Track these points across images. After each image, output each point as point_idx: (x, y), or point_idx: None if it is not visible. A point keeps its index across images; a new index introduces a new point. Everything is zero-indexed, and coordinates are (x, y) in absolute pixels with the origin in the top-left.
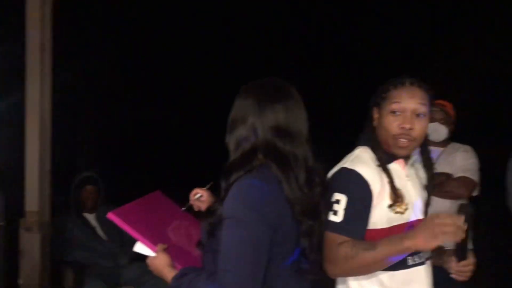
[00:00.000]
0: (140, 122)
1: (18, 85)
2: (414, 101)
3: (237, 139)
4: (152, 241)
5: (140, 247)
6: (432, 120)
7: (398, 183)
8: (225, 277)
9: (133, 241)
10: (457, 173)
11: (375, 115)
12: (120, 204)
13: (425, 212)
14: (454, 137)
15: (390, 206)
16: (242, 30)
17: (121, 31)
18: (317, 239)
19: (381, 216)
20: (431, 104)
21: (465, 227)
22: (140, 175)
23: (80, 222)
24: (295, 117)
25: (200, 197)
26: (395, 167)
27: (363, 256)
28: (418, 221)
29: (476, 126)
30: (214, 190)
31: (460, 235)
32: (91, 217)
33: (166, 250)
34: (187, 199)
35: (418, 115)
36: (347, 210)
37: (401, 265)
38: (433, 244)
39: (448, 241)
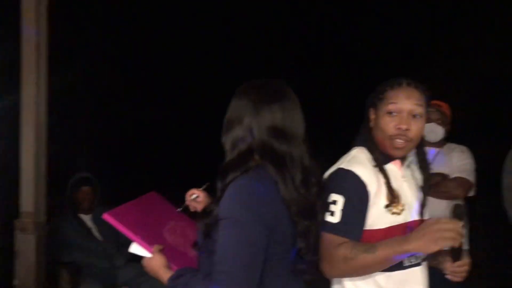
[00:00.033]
0: (136, 122)
1: (13, 85)
2: (410, 102)
3: (233, 139)
4: (147, 242)
5: (135, 248)
6: (428, 120)
7: (394, 184)
8: (221, 278)
9: (129, 242)
10: (453, 174)
11: (372, 115)
12: (117, 205)
13: (421, 213)
14: (453, 137)
15: (387, 206)
16: (242, 30)
17: (118, 31)
18: (313, 240)
19: (377, 217)
20: (428, 104)
21: (463, 230)
22: (136, 176)
23: (76, 223)
24: (292, 117)
25: (196, 197)
26: (392, 167)
27: (362, 258)
28: (415, 222)
29: (475, 126)
30: (211, 191)
31: (459, 240)
32: (87, 218)
33: (162, 251)
34: (183, 199)
35: (414, 116)
36: (344, 211)
37: (397, 266)
38: (433, 249)
39: (447, 246)
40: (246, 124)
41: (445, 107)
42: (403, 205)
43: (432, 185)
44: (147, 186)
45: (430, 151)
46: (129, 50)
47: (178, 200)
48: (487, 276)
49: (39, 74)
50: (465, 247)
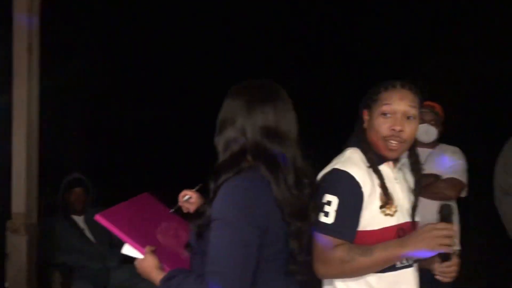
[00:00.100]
0: (129, 123)
1: (5, 86)
2: (404, 103)
3: (226, 140)
4: (140, 243)
5: (128, 249)
6: (422, 121)
7: (387, 185)
8: (213, 279)
9: (122, 243)
10: (446, 175)
11: (365, 117)
12: (109, 206)
13: (413, 215)
14: (449, 137)
15: (382, 207)
16: (240, 29)
17: (111, 31)
18: (306, 241)
19: (371, 218)
20: (421, 106)
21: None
22: (128, 177)
23: (68, 224)
24: (284, 118)
25: (189, 198)
26: (385, 169)
27: (359, 261)
28: (407, 224)
29: (467, 126)
30: (203, 192)
31: (455, 245)
32: (79, 219)
33: (154, 252)
34: (175, 200)
35: (408, 117)
36: (338, 211)
37: (389, 267)
38: (430, 254)
39: (444, 251)
40: (238, 125)
41: (438, 108)
42: (396, 207)
43: (424, 186)
44: (139, 187)
45: (423, 152)
46: (122, 50)
47: (171, 201)
48: (479, 277)
49: (31, 74)
50: (456, 247)
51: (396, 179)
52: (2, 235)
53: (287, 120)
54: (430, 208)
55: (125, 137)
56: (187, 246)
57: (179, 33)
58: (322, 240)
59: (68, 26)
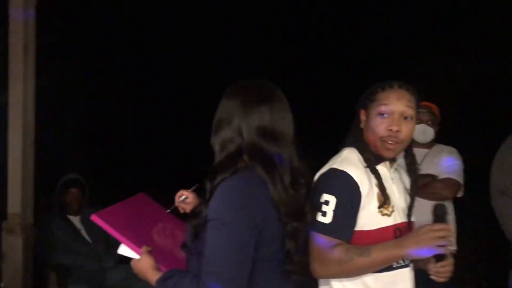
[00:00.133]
0: (125, 123)
1: (1, 86)
2: (402, 103)
3: (222, 140)
4: (136, 244)
5: (124, 250)
6: (419, 121)
7: (385, 185)
8: (209, 279)
9: (118, 244)
10: (442, 175)
11: (362, 117)
12: (105, 206)
13: (409, 216)
14: (445, 138)
15: (380, 207)
16: (237, 29)
17: (107, 31)
18: (302, 241)
19: (368, 218)
20: (418, 106)
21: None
22: (125, 177)
23: (64, 224)
24: (281, 118)
25: (185, 199)
26: (381, 169)
27: (358, 261)
28: (403, 224)
29: (467, 126)
30: (200, 192)
31: (451, 244)
32: (75, 220)
33: (150, 253)
34: (172, 201)
35: (405, 117)
36: (336, 211)
37: (386, 267)
38: (428, 254)
39: (442, 251)
40: (235, 125)
41: (435, 108)
42: (392, 207)
43: (421, 186)
44: (136, 187)
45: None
46: (119, 50)
47: (167, 201)
48: (475, 277)
49: (27, 74)
50: (453, 247)
51: (392, 179)
52: None
53: (283, 120)
54: (425, 208)
55: (121, 137)
56: (183, 246)
57: (177, 33)
58: (320, 240)
59: (65, 26)
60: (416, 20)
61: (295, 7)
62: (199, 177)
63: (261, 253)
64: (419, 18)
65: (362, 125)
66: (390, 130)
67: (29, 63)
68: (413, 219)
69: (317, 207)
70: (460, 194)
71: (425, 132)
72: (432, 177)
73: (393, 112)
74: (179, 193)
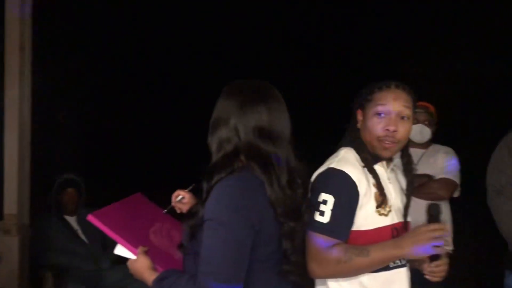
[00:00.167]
0: (122, 123)
1: None
2: (399, 103)
3: (219, 140)
4: (132, 244)
5: (120, 250)
6: (416, 122)
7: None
8: (206, 280)
9: (115, 244)
10: (438, 175)
11: (359, 117)
12: (102, 206)
13: (405, 216)
14: (443, 138)
15: (378, 207)
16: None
17: (104, 31)
18: (299, 241)
19: (366, 218)
20: (414, 106)
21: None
22: (121, 177)
23: (61, 225)
24: (278, 118)
25: (182, 199)
26: (378, 169)
27: (356, 261)
28: (399, 224)
29: (464, 126)
30: (197, 192)
31: (448, 244)
32: (72, 220)
33: (147, 253)
34: (169, 201)
35: (402, 117)
36: (334, 211)
37: (382, 267)
38: (425, 254)
39: (439, 251)
40: (232, 125)
41: (432, 108)
42: (390, 207)
43: (418, 186)
44: (132, 187)
45: (416, 152)
46: (115, 49)
47: (164, 201)
48: (471, 276)
49: (23, 74)
50: (449, 247)
51: (389, 179)
52: None
53: (280, 120)
54: (421, 208)
55: (118, 137)
56: (180, 246)
57: (174, 32)
58: (318, 239)
59: (61, 25)
60: (411, 20)
61: (292, 8)
62: (196, 177)
63: (258, 253)
64: (414, 18)
65: (359, 125)
66: (387, 130)
67: (25, 63)
68: (409, 219)
69: (315, 206)
70: (456, 194)
71: (422, 132)
72: (429, 177)
73: (390, 112)
74: (175, 193)
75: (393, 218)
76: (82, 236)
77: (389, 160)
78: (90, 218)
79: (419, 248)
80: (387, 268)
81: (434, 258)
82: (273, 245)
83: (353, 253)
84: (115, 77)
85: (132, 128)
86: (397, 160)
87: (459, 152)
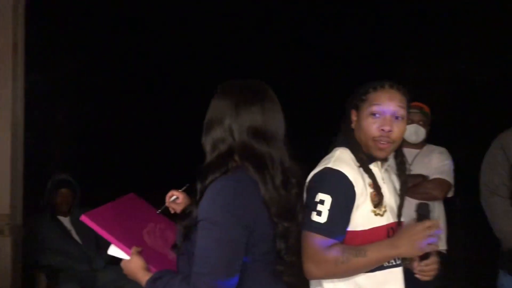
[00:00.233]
0: (116, 123)
1: None
2: (393, 103)
3: (214, 140)
4: (126, 244)
5: (114, 250)
6: (410, 122)
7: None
8: (199, 280)
9: (109, 244)
10: (433, 175)
11: (353, 117)
12: (96, 207)
13: (399, 216)
14: (437, 138)
15: (375, 207)
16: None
17: (97, 31)
18: (293, 241)
19: (362, 218)
20: (409, 106)
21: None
22: (115, 177)
23: (54, 225)
24: (272, 118)
25: (176, 199)
26: (373, 169)
27: (354, 262)
28: (393, 224)
29: (458, 126)
30: (191, 192)
31: (442, 244)
32: (65, 220)
33: (140, 253)
34: (162, 201)
35: (397, 117)
36: (331, 211)
37: (378, 266)
38: (420, 253)
39: (433, 249)
40: (226, 125)
41: (426, 108)
42: (385, 207)
43: (412, 186)
44: (126, 187)
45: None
46: (109, 50)
47: (158, 201)
48: (466, 276)
49: (16, 74)
50: (443, 247)
51: (383, 179)
52: None
53: (274, 121)
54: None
55: (112, 138)
56: (174, 247)
57: (167, 31)
58: (315, 240)
59: (55, 24)
60: (410, 20)
61: (291, 8)
62: (190, 177)
63: (252, 253)
64: (413, 18)
65: (353, 125)
66: (382, 130)
67: (18, 63)
68: (403, 219)
69: (312, 206)
70: (450, 194)
71: (417, 133)
72: (423, 177)
73: (385, 112)
74: (169, 193)
75: (388, 218)
76: (76, 237)
77: (383, 160)
78: (83, 218)
79: (415, 247)
80: (381, 267)
81: (424, 257)
82: (267, 245)
83: (351, 253)
84: (108, 77)
85: (126, 128)
86: (390, 161)
87: (452, 152)
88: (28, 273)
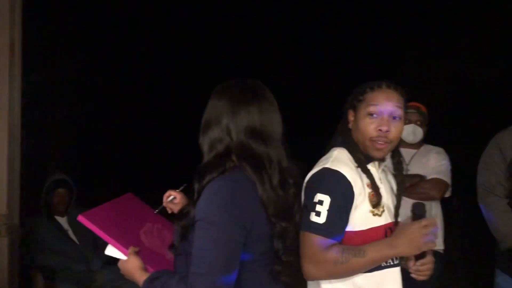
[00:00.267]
0: (114, 123)
1: None
2: (391, 104)
3: (211, 140)
4: (123, 244)
5: (111, 250)
6: (408, 122)
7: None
8: (196, 280)
9: (106, 244)
10: (430, 175)
11: (350, 117)
12: (93, 207)
13: (396, 216)
14: (434, 138)
15: (374, 207)
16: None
17: (94, 31)
18: (290, 241)
19: (360, 218)
20: (406, 106)
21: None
22: (112, 177)
23: (51, 225)
24: (269, 118)
25: (173, 199)
26: (371, 169)
27: (353, 262)
28: (392, 224)
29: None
30: (188, 192)
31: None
32: (63, 220)
33: (138, 253)
34: (160, 201)
35: (394, 117)
36: (330, 211)
37: (376, 266)
38: (418, 252)
39: (430, 248)
40: (223, 125)
41: (423, 108)
42: (383, 207)
43: (409, 186)
44: (124, 187)
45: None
46: (106, 49)
47: (155, 201)
48: (462, 275)
49: (13, 74)
50: (440, 247)
51: (380, 179)
52: None
53: (272, 121)
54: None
55: (109, 138)
56: (171, 247)
57: (163, 30)
58: (314, 240)
59: (52, 24)
60: (409, 20)
61: (289, 8)
62: (187, 177)
63: (250, 253)
64: (413, 18)
65: (350, 125)
66: (380, 130)
67: (16, 63)
68: (400, 219)
69: (311, 207)
70: (447, 194)
71: (415, 133)
72: (420, 177)
73: (383, 113)
74: (167, 194)
75: (386, 218)
76: (73, 237)
77: (381, 160)
78: (80, 218)
79: (413, 246)
80: (379, 267)
81: (420, 256)
82: (265, 245)
83: (350, 253)
84: (108, 77)
85: (123, 128)
86: (387, 161)
87: (452, 152)
88: (25, 273)
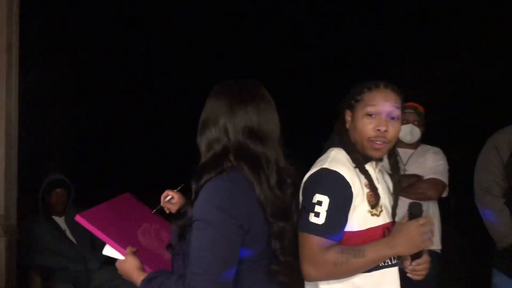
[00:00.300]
0: (111, 123)
1: None
2: (389, 104)
3: (209, 140)
4: (121, 244)
5: (109, 250)
6: (406, 122)
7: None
8: (194, 280)
9: (104, 245)
10: (427, 175)
11: (348, 117)
12: (91, 207)
13: (393, 216)
14: (430, 138)
15: (372, 207)
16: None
17: (92, 31)
18: (288, 241)
19: (359, 218)
20: (403, 106)
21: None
22: (110, 177)
23: (49, 225)
24: (267, 118)
25: (171, 199)
26: (368, 169)
27: (353, 263)
28: (390, 224)
29: (452, 126)
30: (186, 192)
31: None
32: (60, 220)
33: (135, 253)
34: (158, 201)
35: (392, 118)
36: (329, 212)
37: (374, 266)
38: (416, 250)
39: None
40: (221, 125)
41: (421, 108)
42: (381, 207)
43: (407, 186)
44: (121, 187)
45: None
46: (104, 50)
47: (153, 201)
48: (460, 275)
49: (10, 73)
50: (438, 246)
51: (377, 179)
52: None
53: (269, 121)
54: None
55: (107, 137)
56: (169, 247)
57: (169, 32)
58: (313, 241)
59: (50, 24)
60: (405, 21)
61: (287, 8)
62: (185, 177)
63: (247, 253)
64: (412, 18)
65: (347, 125)
66: (378, 130)
67: (13, 63)
68: (397, 219)
69: (310, 207)
70: (445, 194)
71: (412, 133)
72: (418, 177)
73: (381, 113)
74: (164, 194)
75: (384, 218)
76: (71, 237)
77: (378, 160)
78: (78, 218)
79: (411, 245)
80: (377, 267)
81: (415, 256)
82: (262, 245)
83: (350, 254)
84: (107, 77)
85: (121, 128)
86: (383, 161)
87: (452, 152)
88: (22, 273)
